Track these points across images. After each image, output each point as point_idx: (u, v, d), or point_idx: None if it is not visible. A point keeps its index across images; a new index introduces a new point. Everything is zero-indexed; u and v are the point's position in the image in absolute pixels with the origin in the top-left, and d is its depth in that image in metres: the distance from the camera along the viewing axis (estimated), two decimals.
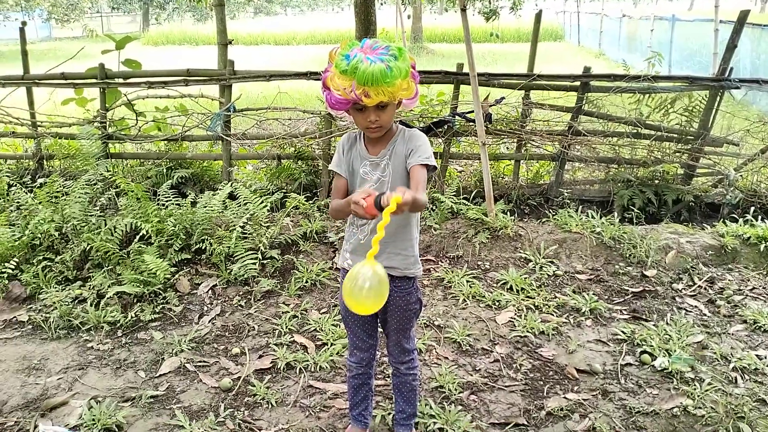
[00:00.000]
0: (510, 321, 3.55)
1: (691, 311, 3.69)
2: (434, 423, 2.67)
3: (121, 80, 5.61)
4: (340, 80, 1.98)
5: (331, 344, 3.29)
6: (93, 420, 2.67)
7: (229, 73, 5.38)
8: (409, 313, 2.37)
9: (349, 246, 2.34)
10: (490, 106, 5.14)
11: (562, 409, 2.79)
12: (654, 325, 3.49)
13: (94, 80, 5.57)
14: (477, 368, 3.12)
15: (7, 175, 5.23)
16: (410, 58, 2.05)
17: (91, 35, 9.09)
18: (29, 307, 3.73)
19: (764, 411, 2.75)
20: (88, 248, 4.00)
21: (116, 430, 2.65)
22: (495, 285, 3.98)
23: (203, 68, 5.58)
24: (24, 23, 6.20)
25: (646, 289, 3.93)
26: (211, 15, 36.34)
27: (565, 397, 2.89)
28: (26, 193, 4.58)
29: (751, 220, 4.54)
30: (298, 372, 3.08)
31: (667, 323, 3.50)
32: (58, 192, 4.51)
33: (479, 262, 4.26)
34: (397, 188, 1.82)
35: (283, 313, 3.63)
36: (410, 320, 2.40)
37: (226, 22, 5.69)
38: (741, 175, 5.21)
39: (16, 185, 4.72)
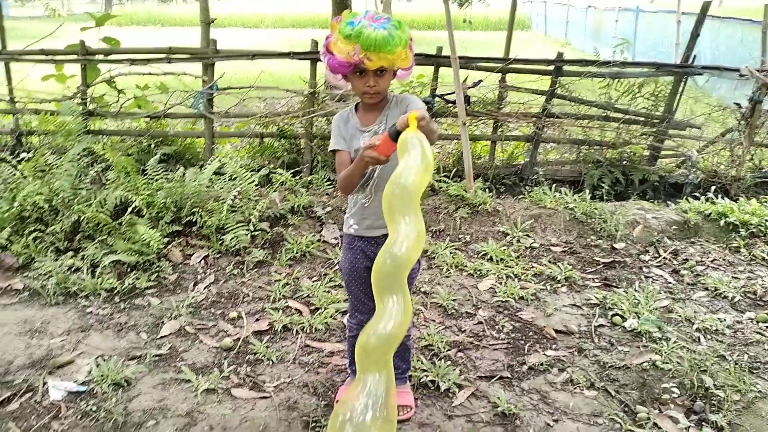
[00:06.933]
0: (491, 288, 3.77)
1: (657, 280, 3.96)
2: (426, 376, 2.87)
3: (102, 57, 5.61)
4: (344, 44, 2.10)
5: (325, 308, 3.45)
6: (102, 376, 2.78)
7: (212, 52, 5.44)
8: (411, 273, 2.43)
9: (353, 210, 2.43)
10: (468, 88, 5.33)
11: (542, 364, 3.02)
12: (624, 291, 3.74)
13: (75, 56, 5.58)
14: (462, 329, 3.33)
15: None
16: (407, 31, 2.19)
17: (53, 14, 8.90)
18: (24, 275, 3.79)
19: (724, 365, 3.02)
20: (79, 220, 4.06)
21: (125, 384, 2.77)
22: (476, 256, 4.20)
23: (186, 46, 5.63)
24: None
25: (616, 259, 4.19)
26: None
27: (544, 354, 3.12)
28: (11, 167, 4.60)
29: (712, 198, 4.85)
30: (294, 333, 3.25)
31: (635, 290, 3.77)
32: (44, 166, 4.54)
33: (460, 236, 4.47)
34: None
35: (275, 281, 3.78)
36: (410, 281, 2.48)
37: (208, 1, 5.74)
38: (702, 157, 5.54)
39: None
